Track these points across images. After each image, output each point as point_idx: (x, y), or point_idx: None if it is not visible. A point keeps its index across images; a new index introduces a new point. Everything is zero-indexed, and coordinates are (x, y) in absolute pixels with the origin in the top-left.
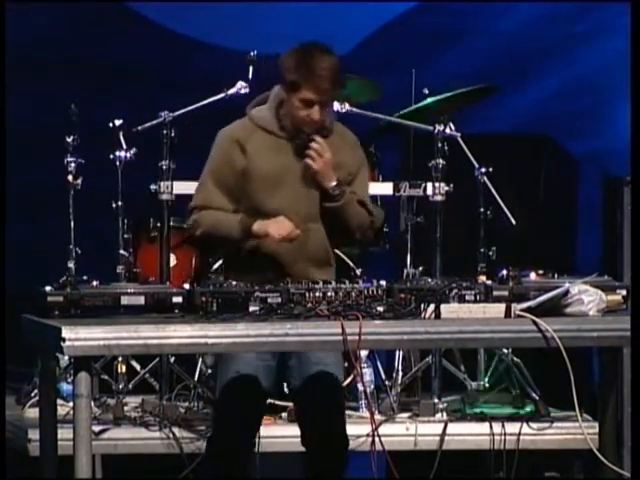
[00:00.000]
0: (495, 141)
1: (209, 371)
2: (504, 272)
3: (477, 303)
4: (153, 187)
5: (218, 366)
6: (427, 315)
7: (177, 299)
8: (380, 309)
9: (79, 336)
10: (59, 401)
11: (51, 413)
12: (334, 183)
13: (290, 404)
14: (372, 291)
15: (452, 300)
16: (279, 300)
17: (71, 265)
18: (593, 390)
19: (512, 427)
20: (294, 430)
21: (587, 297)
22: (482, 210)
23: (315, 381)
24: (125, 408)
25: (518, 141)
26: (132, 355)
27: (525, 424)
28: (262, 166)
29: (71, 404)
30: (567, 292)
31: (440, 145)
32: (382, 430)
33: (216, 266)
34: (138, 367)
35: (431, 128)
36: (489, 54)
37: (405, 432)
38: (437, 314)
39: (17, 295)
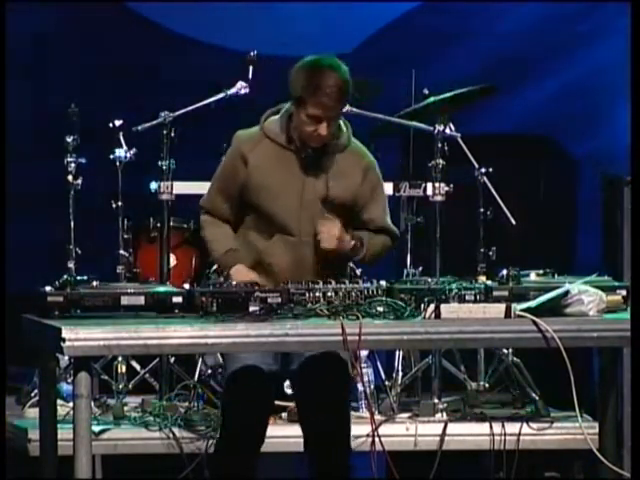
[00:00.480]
0: (495, 141)
1: (209, 371)
2: (504, 272)
3: (477, 303)
4: (153, 187)
5: (224, 366)
6: (427, 315)
7: (177, 299)
8: (380, 309)
9: (79, 336)
10: (59, 401)
11: (51, 413)
12: (352, 243)
13: (290, 404)
14: (372, 291)
15: (452, 300)
16: (279, 300)
17: (71, 265)
18: (593, 390)
19: (512, 427)
20: (294, 430)
21: (587, 297)
22: (482, 210)
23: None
24: (125, 408)
25: (518, 141)
26: (132, 355)
27: (525, 424)
28: (263, 177)
29: (71, 404)
30: (567, 292)
31: (440, 145)
32: (382, 430)
33: (216, 266)
34: (138, 367)
35: (431, 128)
36: (490, 54)
37: (405, 432)
38: (437, 314)
39: (17, 295)
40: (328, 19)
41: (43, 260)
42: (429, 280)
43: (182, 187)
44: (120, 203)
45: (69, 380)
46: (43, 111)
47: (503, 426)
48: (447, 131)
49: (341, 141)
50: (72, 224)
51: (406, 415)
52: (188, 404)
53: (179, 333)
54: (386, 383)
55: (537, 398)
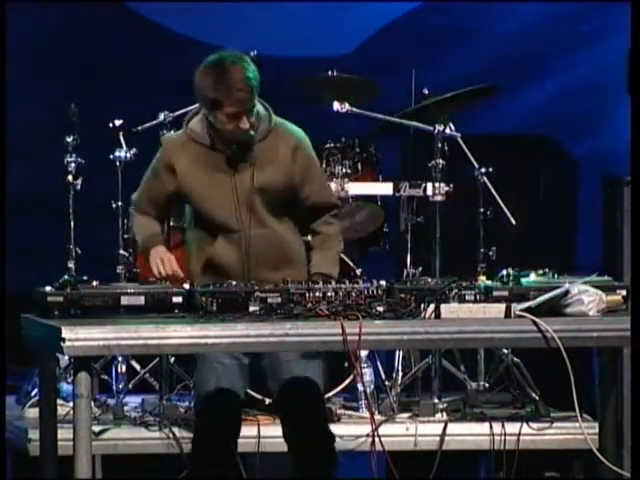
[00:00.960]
0: (495, 141)
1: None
2: (504, 272)
3: (477, 303)
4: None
5: (195, 373)
6: (427, 315)
7: (177, 299)
8: (380, 309)
9: (79, 336)
10: (59, 401)
11: (51, 413)
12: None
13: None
14: (372, 291)
15: (452, 300)
16: (279, 300)
17: (71, 265)
18: (593, 390)
19: (512, 427)
20: None
21: (587, 297)
22: (482, 210)
23: (291, 383)
24: (125, 408)
25: (518, 141)
26: (132, 355)
27: (525, 424)
28: (193, 182)
29: (71, 404)
30: (567, 292)
31: (440, 145)
32: (382, 430)
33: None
34: (138, 367)
35: (431, 128)
36: (491, 55)
37: (405, 432)
38: (437, 314)
39: (17, 295)
40: (328, 19)
41: (43, 260)
42: (429, 280)
43: None
44: (120, 203)
45: (69, 380)
46: (43, 111)
47: (503, 426)
48: (447, 131)
49: (262, 127)
50: (72, 224)
51: (406, 415)
52: (188, 404)
53: (179, 333)
54: (386, 383)
55: (537, 398)
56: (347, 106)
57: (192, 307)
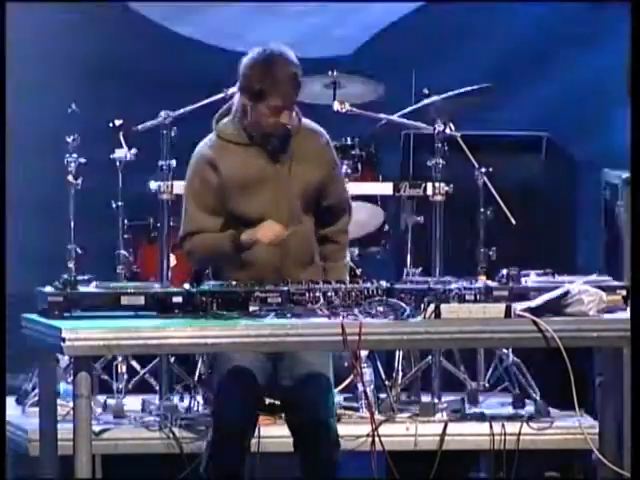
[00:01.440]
0: (495, 141)
1: (209, 371)
2: (504, 272)
3: (477, 303)
4: (153, 187)
5: (213, 368)
6: (427, 315)
7: (177, 299)
8: (380, 309)
9: (79, 336)
10: (59, 401)
11: (51, 413)
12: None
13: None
14: (372, 291)
15: (452, 300)
16: (279, 300)
17: (71, 265)
18: (593, 390)
19: (512, 427)
20: None
21: (587, 297)
22: (482, 210)
23: (304, 383)
24: (125, 408)
25: (518, 141)
26: (132, 355)
27: (525, 424)
28: (236, 177)
29: (71, 404)
30: (567, 292)
31: (440, 145)
32: (382, 430)
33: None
34: (138, 367)
35: (431, 128)
36: (492, 55)
37: (405, 432)
38: (437, 314)
39: (17, 295)
40: (331, 20)
41: (43, 260)
42: (429, 280)
43: (182, 187)
44: (120, 203)
45: (69, 380)
46: (43, 111)
47: (503, 426)
48: (447, 131)
49: (295, 123)
50: (72, 224)
51: (406, 415)
52: (188, 404)
53: (179, 333)
54: (386, 383)
55: (537, 398)
56: (347, 106)
57: (192, 307)
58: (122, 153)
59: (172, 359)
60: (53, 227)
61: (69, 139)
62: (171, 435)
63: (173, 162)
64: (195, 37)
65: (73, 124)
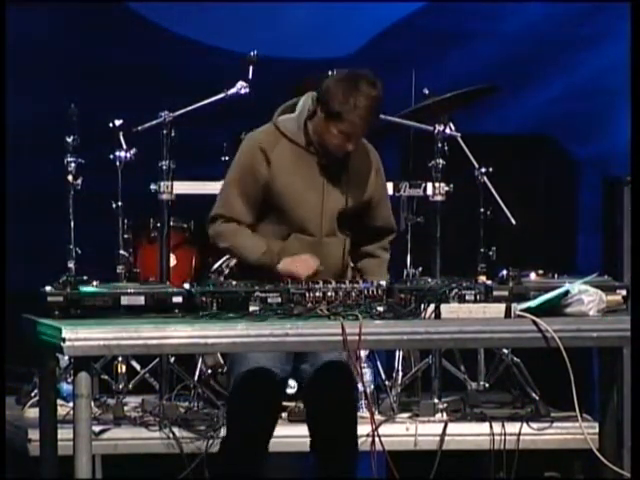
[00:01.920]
0: (496, 141)
1: (209, 371)
2: (504, 272)
3: (477, 303)
4: (153, 187)
5: (231, 366)
6: (427, 315)
7: (177, 299)
8: (380, 309)
9: (79, 336)
10: (59, 401)
11: (51, 413)
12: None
13: (291, 404)
14: (372, 291)
15: (452, 300)
16: (279, 300)
17: (71, 265)
18: (593, 390)
19: (512, 427)
20: (294, 430)
21: (587, 297)
22: (482, 210)
23: (327, 374)
24: (125, 408)
25: (518, 141)
26: (132, 355)
27: (525, 424)
28: (286, 180)
29: (71, 404)
30: (567, 292)
31: (440, 145)
32: (382, 430)
33: (216, 266)
34: (138, 367)
35: (431, 128)
36: (494, 56)
37: (405, 432)
38: (437, 314)
39: (17, 295)
40: (330, 21)
41: (43, 260)
42: (429, 280)
43: (182, 187)
44: (120, 203)
45: (69, 380)
46: (43, 111)
47: (503, 426)
48: (447, 131)
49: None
50: (72, 224)
51: (406, 415)
52: (188, 404)
53: (179, 333)
54: (386, 383)
55: (537, 398)
56: None
57: (192, 307)
58: (122, 153)
59: (172, 359)
60: (53, 227)
61: (69, 139)
62: (171, 435)
63: (173, 162)
64: (195, 37)
65: (73, 124)
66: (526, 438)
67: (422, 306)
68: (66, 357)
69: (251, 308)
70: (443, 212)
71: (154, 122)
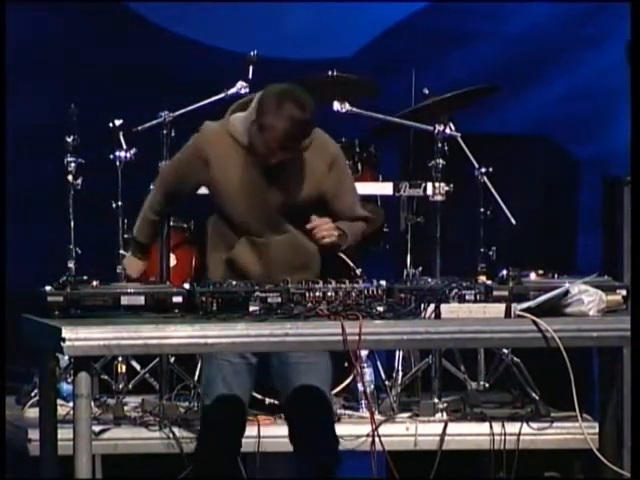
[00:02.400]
0: (496, 141)
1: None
2: (504, 272)
3: (477, 303)
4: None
5: (202, 371)
6: (427, 315)
7: (177, 299)
8: (380, 309)
9: (79, 336)
10: (59, 401)
11: (51, 413)
12: (339, 236)
13: None
14: (372, 291)
15: (452, 300)
16: (279, 300)
17: (71, 265)
18: (593, 390)
19: (512, 427)
20: None
21: (587, 297)
22: (482, 210)
23: (300, 388)
24: (125, 408)
25: (518, 141)
26: (132, 355)
27: (525, 424)
28: (227, 179)
29: (71, 404)
30: (567, 292)
31: (440, 145)
32: (382, 430)
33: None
34: (138, 367)
35: (431, 128)
36: (495, 57)
37: (405, 432)
38: (437, 314)
39: (17, 295)
40: (331, 22)
41: (43, 260)
42: (429, 280)
43: None
44: (120, 203)
45: (69, 380)
46: (43, 111)
47: (503, 426)
48: (447, 131)
49: (305, 142)
50: (72, 224)
51: (406, 415)
52: (188, 404)
53: (179, 333)
54: (386, 383)
55: (537, 398)
56: (347, 106)
57: (192, 307)
58: (122, 153)
59: (172, 359)
60: (53, 227)
61: (69, 139)
62: (171, 435)
63: None
64: (195, 37)
65: (73, 124)
66: (526, 438)
67: (422, 306)
68: (66, 357)
69: (251, 308)
70: (443, 212)
71: (154, 122)
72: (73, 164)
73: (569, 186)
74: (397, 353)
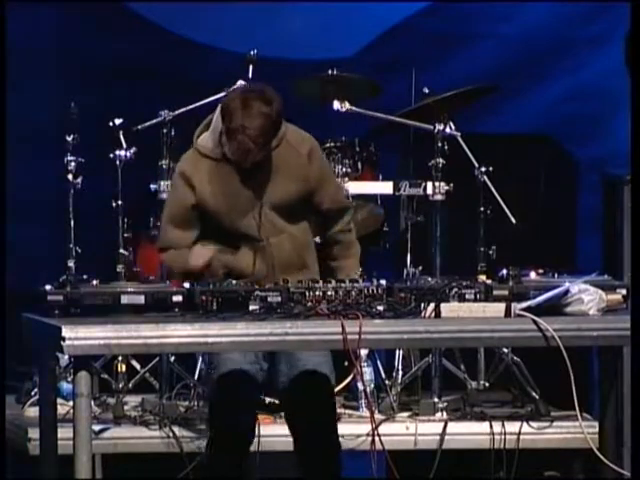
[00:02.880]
0: (496, 141)
1: (208, 371)
2: (504, 271)
3: (477, 302)
4: (153, 186)
5: (209, 372)
6: (427, 314)
7: (177, 298)
8: (380, 308)
9: (79, 335)
10: (59, 400)
11: (51, 412)
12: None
13: None
14: (372, 290)
15: (452, 299)
16: (279, 299)
17: (71, 264)
18: (593, 389)
19: (512, 426)
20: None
21: (587, 296)
22: (482, 209)
23: (304, 381)
24: (125, 407)
25: (519, 141)
26: (132, 354)
27: (525, 423)
28: (213, 197)
29: (71, 403)
30: (567, 291)
31: (440, 144)
32: (382, 429)
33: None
34: (138, 366)
35: (431, 127)
36: (496, 57)
37: (405, 431)
38: (437, 313)
39: (17, 295)
40: (332, 22)
41: (43, 260)
42: (429, 279)
43: None
44: (120, 202)
45: (69, 379)
46: (43, 110)
47: (503, 425)
48: (447, 130)
49: (275, 139)
50: (72, 223)
51: (406, 414)
52: (188, 403)
53: (179, 332)
54: (386, 382)
55: (537, 397)
56: (347, 105)
57: (192, 306)
58: (122, 152)
59: (172, 358)
60: (53, 227)
61: (69, 138)
62: (171, 434)
63: (173, 161)
64: (195, 37)
65: (73, 123)
66: (526, 437)
67: (422, 305)
68: (66, 356)
69: (251, 307)
70: (443, 211)
71: (154, 121)
72: (73, 163)
73: (569, 186)
74: (397, 352)
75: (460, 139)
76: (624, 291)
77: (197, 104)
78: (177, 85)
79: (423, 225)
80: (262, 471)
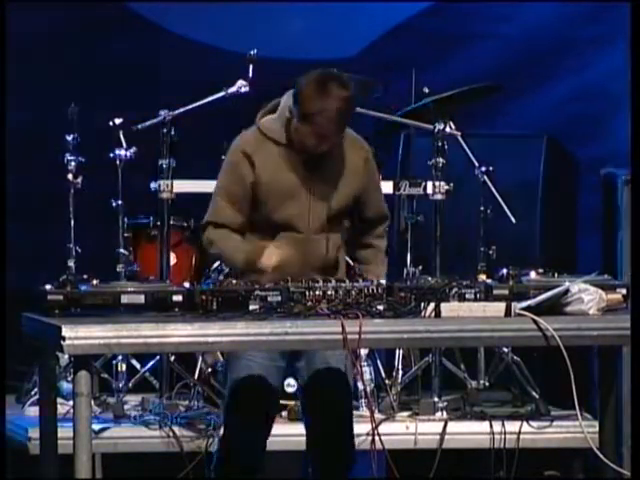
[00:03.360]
0: (496, 141)
1: (209, 370)
2: (504, 271)
3: (477, 302)
4: (153, 186)
5: (227, 367)
6: (427, 314)
7: (177, 298)
8: (380, 308)
9: (79, 335)
10: (59, 400)
11: (51, 412)
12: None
13: (291, 403)
14: (372, 290)
15: (452, 299)
16: (279, 299)
17: (71, 264)
18: (593, 389)
19: (512, 426)
20: (294, 429)
21: (587, 296)
22: (482, 209)
23: (323, 378)
24: (125, 407)
25: (519, 141)
26: (132, 354)
27: (525, 423)
28: (271, 179)
29: (71, 403)
30: (567, 291)
31: (440, 144)
32: (382, 429)
33: (216, 264)
34: (138, 366)
35: (431, 127)
36: (497, 57)
37: (405, 431)
38: (437, 313)
39: (17, 294)
40: (335, 21)
41: (43, 259)
42: (429, 279)
43: (182, 186)
44: (120, 202)
45: (69, 378)
46: (43, 110)
47: (503, 425)
48: (447, 130)
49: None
50: (72, 223)
51: (406, 414)
52: (188, 403)
53: (179, 332)
54: (386, 382)
55: (537, 397)
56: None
57: (192, 305)
58: (122, 152)
59: (172, 358)
60: (53, 226)
61: (69, 138)
62: (171, 434)
63: (173, 161)
64: (195, 37)
65: (73, 123)
66: (526, 437)
67: (422, 305)
68: (66, 356)
69: (251, 307)
70: (443, 211)
71: (154, 121)
72: (73, 163)
73: (569, 186)
74: (397, 352)
75: (460, 138)
76: (624, 291)
77: (197, 104)
78: (177, 85)
79: (423, 225)
80: (266, 471)
